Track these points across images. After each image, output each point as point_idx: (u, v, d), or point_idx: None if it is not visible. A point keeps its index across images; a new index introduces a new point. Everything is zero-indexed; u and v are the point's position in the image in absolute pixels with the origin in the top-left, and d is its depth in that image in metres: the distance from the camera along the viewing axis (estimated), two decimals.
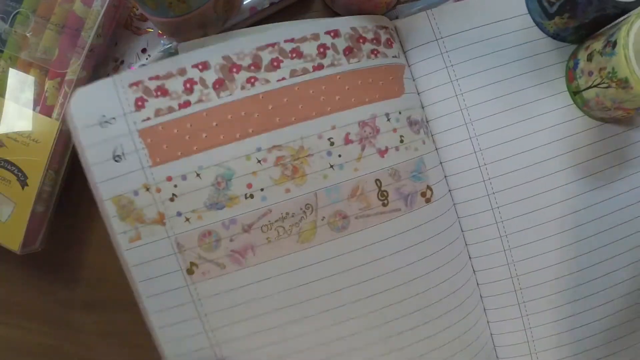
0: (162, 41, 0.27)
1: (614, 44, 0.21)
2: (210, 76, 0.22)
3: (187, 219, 0.23)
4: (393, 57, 0.25)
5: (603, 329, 0.28)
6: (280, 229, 0.23)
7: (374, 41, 0.24)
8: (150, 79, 0.22)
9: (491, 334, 0.28)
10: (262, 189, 0.23)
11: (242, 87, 0.22)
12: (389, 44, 0.25)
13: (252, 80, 0.22)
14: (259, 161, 0.23)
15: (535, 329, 0.28)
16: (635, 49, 0.21)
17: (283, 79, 0.23)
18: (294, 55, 0.23)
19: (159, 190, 0.22)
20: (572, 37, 0.27)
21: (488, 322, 0.28)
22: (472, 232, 0.28)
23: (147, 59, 0.27)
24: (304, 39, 0.23)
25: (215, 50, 0.22)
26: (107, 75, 0.26)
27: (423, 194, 0.25)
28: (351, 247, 0.24)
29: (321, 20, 0.24)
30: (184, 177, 0.22)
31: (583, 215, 0.27)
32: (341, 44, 0.24)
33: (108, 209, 0.22)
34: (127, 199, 0.22)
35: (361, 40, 0.24)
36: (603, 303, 0.28)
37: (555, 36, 0.27)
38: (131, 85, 0.22)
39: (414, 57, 0.27)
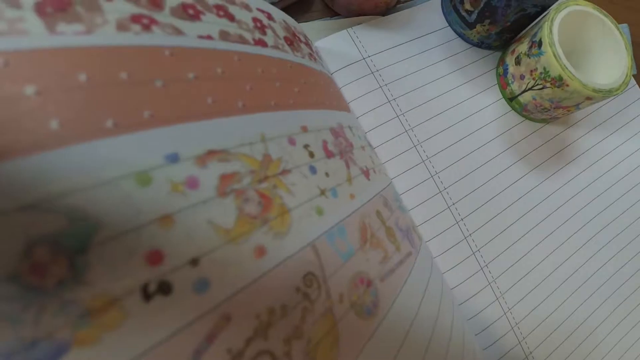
0: None
1: (540, 44, 0.20)
2: None
3: None
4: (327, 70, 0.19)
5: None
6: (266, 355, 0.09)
7: (308, 46, 0.18)
8: None
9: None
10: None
11: (120, 27, 0.09)
12: (317, 56, 0.20)
13: (146, 21, 0.10)
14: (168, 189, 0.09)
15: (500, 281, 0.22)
16: (560, 42, 0.20)
17: (209, 37, 0.12)
18: (221, 13, 0.13)
19: None
20: (497, 42, 0.25)
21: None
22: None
23: None
24: (232, 2, 0.13)
25: None
26: None
27: (414, 229, 0.18)
28: (387, 339, 0.12)
29: None
30: None
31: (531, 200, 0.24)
32: (279, 30, 0.16)
33: None
34: None
35: (297, 38, 0.17)
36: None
37: (480, 44, 0.26)
38: None
39: (344, 78, 0.22)
